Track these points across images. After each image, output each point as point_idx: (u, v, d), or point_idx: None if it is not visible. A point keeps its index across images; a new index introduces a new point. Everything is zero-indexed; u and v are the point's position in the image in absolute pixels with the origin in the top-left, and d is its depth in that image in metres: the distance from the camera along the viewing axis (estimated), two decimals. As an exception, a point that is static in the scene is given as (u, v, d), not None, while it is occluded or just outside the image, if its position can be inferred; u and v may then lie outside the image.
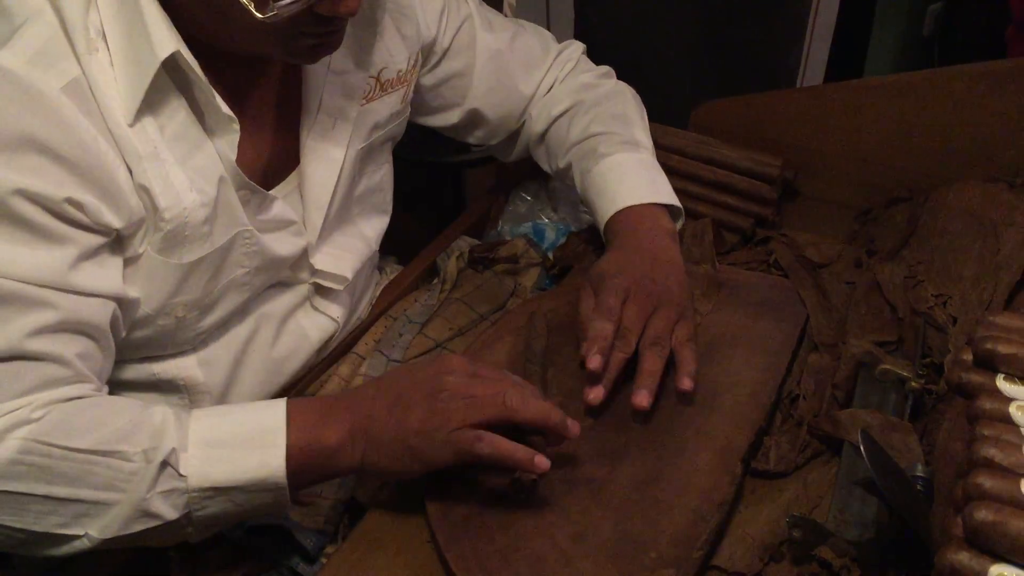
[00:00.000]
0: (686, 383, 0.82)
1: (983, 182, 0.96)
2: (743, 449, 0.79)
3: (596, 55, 1.13)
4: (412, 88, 0.98)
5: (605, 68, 1.11)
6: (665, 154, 1.08)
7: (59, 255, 0.69)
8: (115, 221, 0.72)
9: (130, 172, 0.72)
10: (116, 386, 0.83)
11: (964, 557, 0.44)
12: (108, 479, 0.68)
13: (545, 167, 1.10)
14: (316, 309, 0.94)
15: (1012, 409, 0.51)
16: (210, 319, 0.83)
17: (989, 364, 0.53)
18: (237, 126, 0.77)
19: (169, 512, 0.69)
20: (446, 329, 1.00)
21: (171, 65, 0.72)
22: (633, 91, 1.10)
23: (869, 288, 0.93)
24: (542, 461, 0.72)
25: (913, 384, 0.81)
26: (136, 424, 0.70)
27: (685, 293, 0.88)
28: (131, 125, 0.71)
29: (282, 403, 0.74)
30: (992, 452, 0.47)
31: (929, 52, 2.40)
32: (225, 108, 0.76)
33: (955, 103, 0.99)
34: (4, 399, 0.67)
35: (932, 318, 0.87)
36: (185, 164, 0.75)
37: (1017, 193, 0.93)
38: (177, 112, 0.75)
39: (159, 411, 0.71)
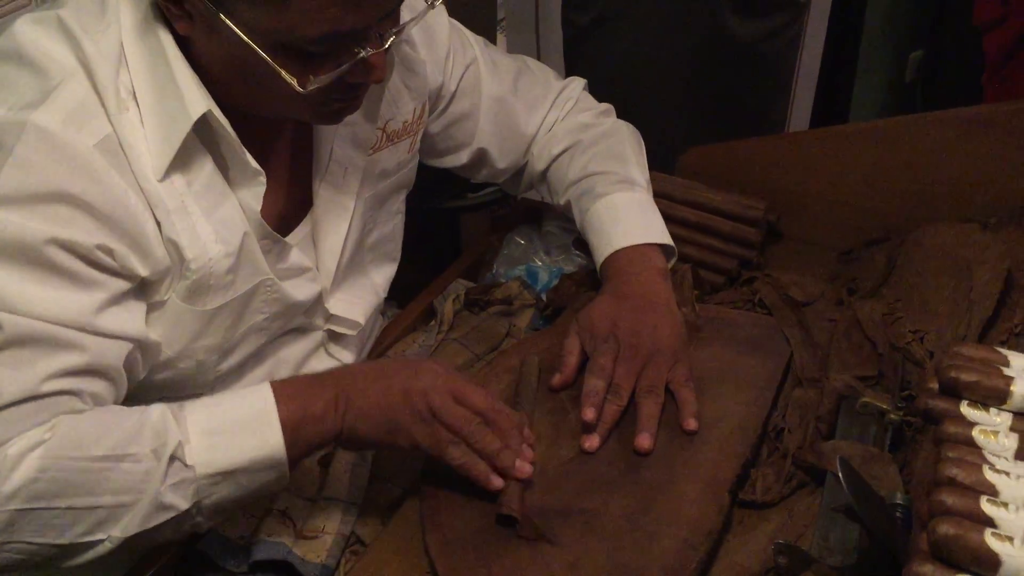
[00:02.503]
0: (691, 424, 0.86)
1: (957, 223, 1.00)
2: (730, 480, 0.82)
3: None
4: (419, 137, 1.02)
5: (605, 106, 1.15)
6: (654, 199, 1.13)
7: (87, 299, 0.73)
8: (142, 270, 0.76)
9: (158, 224, 0.76)
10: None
11: (929, 569, 0.48)
12: (124, 482, 0.71)
13: (549, 201, 1.15)
14: (330, 355, 0.98)
15: (975, 432, 0.54)
16: (229, 363, 0.87)
17: (953, 391, 0.57)
18: (263, 179, 0.81)
19: (181, 502, 0.73)
20: (444, 369, 1.03)
21: (201, 123, 0.77)
22: (631, 127, 1.14)
23: (850, 325, 0.97)
24: (495, 481, 0.79)
25: (892, 416, 0.84)
26: (139, 424, 0.73)
27: (677, 337, 0.92)
28: (160, 180, 0.76)
29: (267, 385, 0.78)
30: (955, 472, 0.50)
31: (912, 97, 2.47)
32: (253, 163, 0.80)
33: (930, 148, 1.04)
34: (22, 431, 0.70)
35: (910, 353, 0.91)
36: (211, 216, 0.79)
37: (989, 233, 0.97)
38: (204, 166, 0.79)
39: (155, 409, 0.75)
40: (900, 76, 2.49)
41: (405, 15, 0.81)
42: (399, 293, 1.21)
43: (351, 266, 0.98)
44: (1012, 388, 0.56)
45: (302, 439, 0.77)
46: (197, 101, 0.76)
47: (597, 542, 0.77)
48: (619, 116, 1.17)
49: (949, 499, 0.48)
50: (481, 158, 1.10)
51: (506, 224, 1.24)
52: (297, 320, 0.94)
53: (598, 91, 1.21)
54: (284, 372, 0.94)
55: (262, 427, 0.75)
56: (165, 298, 0.79)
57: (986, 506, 0.48)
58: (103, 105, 0.74)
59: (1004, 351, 0.60)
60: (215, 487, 0.74)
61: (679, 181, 1.15)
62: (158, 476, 0.72)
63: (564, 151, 1.09)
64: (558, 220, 1.19)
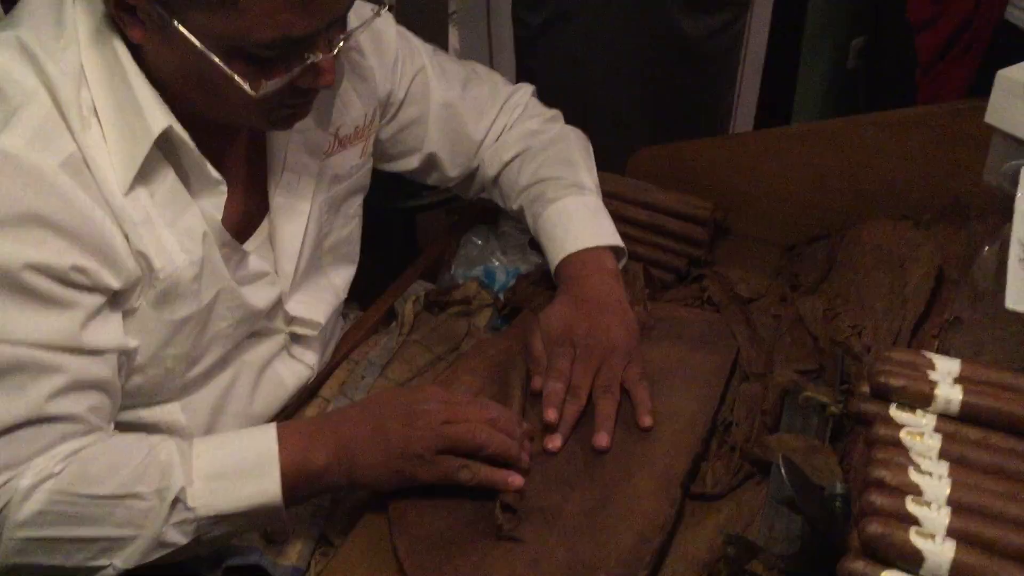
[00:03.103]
0: (646, 420, 0.90)
1: (892, 220, 1.06)
2: (682, 475, 0.86)
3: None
4: (371, 142, 1.04)
5: (553, 112, 1.18)
6: (605, 199, 1.16)
7: (68, 319, 0.75)
8: (114, 283, 0.78)
9: (126, 237, 0.78)
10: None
11: (859, 565, 0.52)
12: (127, 518, 0.75)
13: (501, 205, 1.18)
14: (292, 357, 1.00)
15: (902, 434, 0.59)
16: (196, 370, 0.89)
17: (883, 395, 0.61)
18: (224, 188, 0.84)
19: (181, 539, 0.78)
20: (406, 370, 1.06)
21: (162, 137, 0.78)
22: (579, 132, 1.17)
23: (793, 321, 1.02)
24: (516, 479, 0.83)
25: (833, 410, 0.89)
26: (147, 465, 0.77)
27: (631, 336, 0.96)
28: (125, 194, 0.77)
29: (273, 431, 0.82)
30: (883, 473, 0.55)
31: (854, 84, 2.53)
32: (214, 173, 0.83)
33: (865, 148, 1.09)
34: (27, 458, 0.74)
35: (849, 347, 0.96)
36: (174, 226, 0.81)
37: (922, 231, 1.03)
38: (166, 177, 0.81)
39: (164, 449, 0.79)
40: (842, 63, 2.55)
41: (353, 22, 0.83)
42: (359, 294, 1.23)
43: (309, 268, 1.00)
44: (936, 392, 0.60)
45: (301, 489, 0.82)
46: (158, 118, 0.77)
47: (557, 538, 0.81)
48: (573, 114, 1.20)
49: (877, 499, 0.53)
50: (431, 163, 1.13)
51: (463, 225, 1.27)
52: (259, 324, 0.96)
53: (552, 89, 1.24)
54: (248, 375, 0.96)
55: (263, 477, 0.79)
56: (136, 306, 0.81)
57: (911, 506, 0.52)
58: (67, 123, 0.75)
59: (930, 355, 0.65)
60: (215, 526, 0.79)
61: (630, 181, 1.19)
62: (161, 516, 0.76)
63: (514, 157, 1.12)
64: (513, 221, 1.22)
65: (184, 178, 0.82)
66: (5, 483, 0.73)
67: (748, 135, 1.30)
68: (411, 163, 1.12)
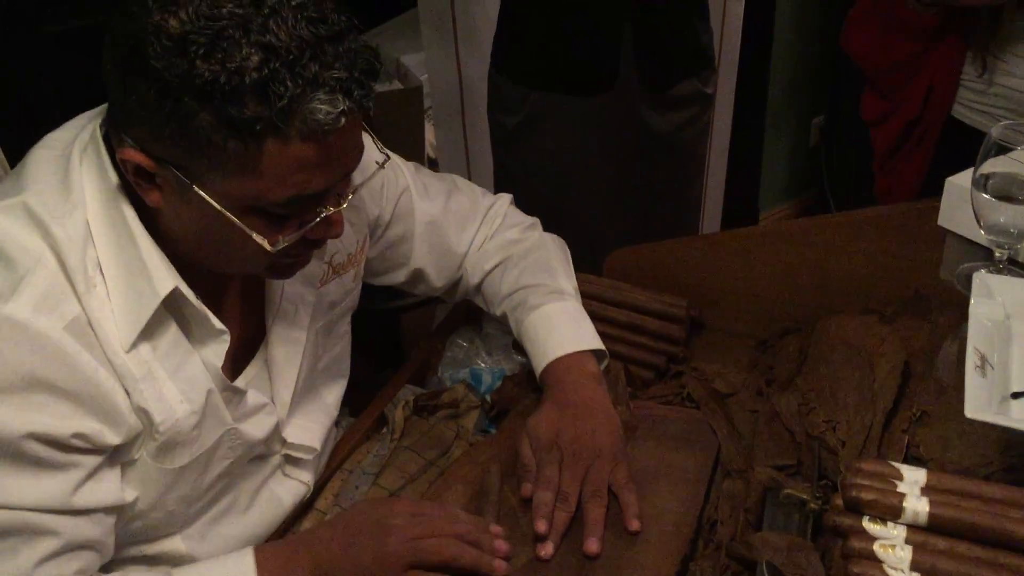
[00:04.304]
0: (635, 524, 0.93)
1: (858, 314, 1.11)
2: (671, 577, 0.89)
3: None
4: (362, 265, 1.09)
5: (532, 220, 1.23)
6: (584, 300, 1.21)
7: (64, 482, 0.77)
8: (115, 440, 0.81)
9: (128, 393, 0.81)
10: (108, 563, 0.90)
11: None
12: None
13: (486, 311, 1.22)
14: (287, 476, 1.03)
15: (876, 547, 0.63)
16: (197, 507, 0.92)
17: (855, 508, 0.65)
18: (227, 337, 0.86)
19: None
20: (398, 478, 1.08)
21: (168, 296, 0.81)
22: (557, 238, 1.22)
23: (770, 416, 1.06)
24: None
25: (812, 505, 0.93)
26: None
27: (616, 439, 1.00)
28: (128, 351, 0.80)
29: (251, 556, 0.84)
30: (859, 590, 0.59)
31: (816, 160, 2.63)
32: (218, 324, 0.85)
33: (829, 246, 1.15)
34: None
35: (824, 442, 1.00)
36: (175, 376, 0.84)
37: (886, 325, 1.08)
38: (168, 330, 0.84)
39: None
40: (804, 141, 2.65)
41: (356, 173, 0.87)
42: (349, 399, 1.27)
43: (304, 392, 1.03)
44: (904, 504, 0.64)
45: None
46: (164, 279, 0.80)
47: (554, 647, 0.84)
48: (549, 211, 1.25)
49: (855, 617, 0.57)
50: (417, 276, 1.18)
51: (448, 327, 1.31)
52: (256, 450, 0.98)
53: (527, 188, 1.30)
54: (245, 498, 0.99)
55: None
56: (136, 457, 0.84)
57: (885, 622, 0.56)
58: (72, 286, 0.78)
59: (897, 465, 0.69)
60: None
61: (606, 282, 1.24)
62: None
63: (495, 266, 1.17)
64: (497, 322, 1.26)
65: (185, 328, 0.85)
66: None
67: (719, 235, 1.35)
68: (398, 277, 1.17)
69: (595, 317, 1.20)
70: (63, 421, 0.76)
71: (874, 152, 1.63)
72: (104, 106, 0.83)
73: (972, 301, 0.86)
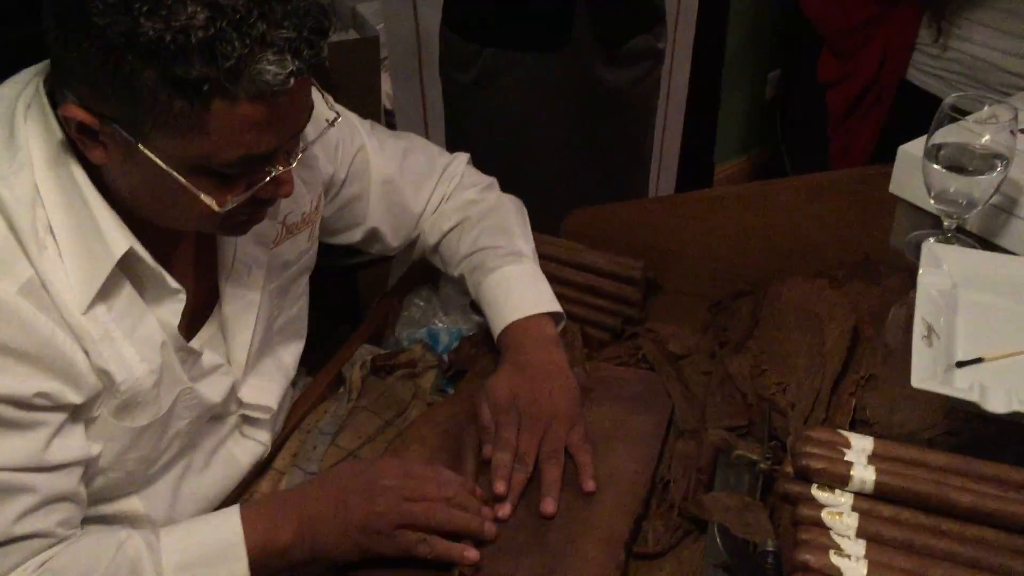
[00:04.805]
0: (590, 485, 0.95)
1: (810, 278, 1.13)
2: (625, 537, 0.91)
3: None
4: (318, 225, 1.08)
5: (489, 180, 1.22)
6: (541, 261, 1.21)
7: (32, 441, 0.77)
8: (76, 399, 0.80)
9: (87, 354, 0.80)
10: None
11: (788, 647, 0.58)
12: None
13: (443, 271, 1.22)
14: (245, 436, 1.03)
15: (824, 514, 0.65)
16: (155, 468, 0.92)
17: (805, 476, 0.68)
18: (183, 296, 0.86)
19: None
20: (356, 438, 1.09)
21: (122, 256, 0.80)
22: (515, 200, 1.22)
23: (723, 378, 1.08)
24: (471, 553, 0.88)
25: (762, 466, 0.95)
26: (117, 565, 0.79)
27: (573, 402, 1.01)
28: (84, 313, 0.79)
29: (236, 516, 0.85)
30: (807, 557, 0.61)
31: (772, 114, 2.65)
32: (174, 283, 0.85)
33: (782, 210, 1.16)
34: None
35: (775, 403, 1.02)
36: (132, 336, 0.83)
37: (837, 289, 1.10)
38: (123, 290, 0.83)
39: (132, 545, 0.81)
40: (760, 94, 2.66)
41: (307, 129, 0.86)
42: (305, 357, 1.26)
43: (261, 353, 1.03)
44: (852, 472, 0.67)
45: (267, 565, 0.85)
46: (118, 240, 0.79)
47: (511, 607, 0.86)
48: (504, 169, 1.25)
49: (803, 585, 0.59)
50: (373, 236, 1.17)
51: (405, 287, 1.31)
52: (213, 411, 0.98)
53: (482, 147, 1.29)
54: (202, 458, 0.99)
55: (230, 561, 0.82)
56: (96, 414, 0.83)
57: (832, 589, 0.59)
58: (23, 248, 0.76)
59: (846, 433, 0.71)
60: None
61: (564, 243, 1.24)
62: None
63: (453, 228, 1.17)
64: (454, 282, 1.27)
65: (140, 288, 0.84)
66: None
67: (675, 197, 1.37)
68: (353, 236, 1.17)
69: (552, 278, 1.21)
70: (24, 382, 0.76)
71: (829, 113, 1.65)
72: (47, 62, 0.81)
73: (920, 271, 0.88)
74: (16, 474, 0.76)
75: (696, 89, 2.23)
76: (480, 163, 1.25)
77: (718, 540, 0.79)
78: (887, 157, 1.19)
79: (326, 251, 1.26)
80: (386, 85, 2.07)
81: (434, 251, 1.20)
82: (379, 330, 1.27)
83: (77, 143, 0.78)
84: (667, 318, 1.21)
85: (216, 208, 0.78)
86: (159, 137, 0.74)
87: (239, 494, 1.03)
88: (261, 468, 1.06)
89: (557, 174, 1.62)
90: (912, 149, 1.01)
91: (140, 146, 0.75)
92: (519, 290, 1.10)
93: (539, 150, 1.59)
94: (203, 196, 0.78)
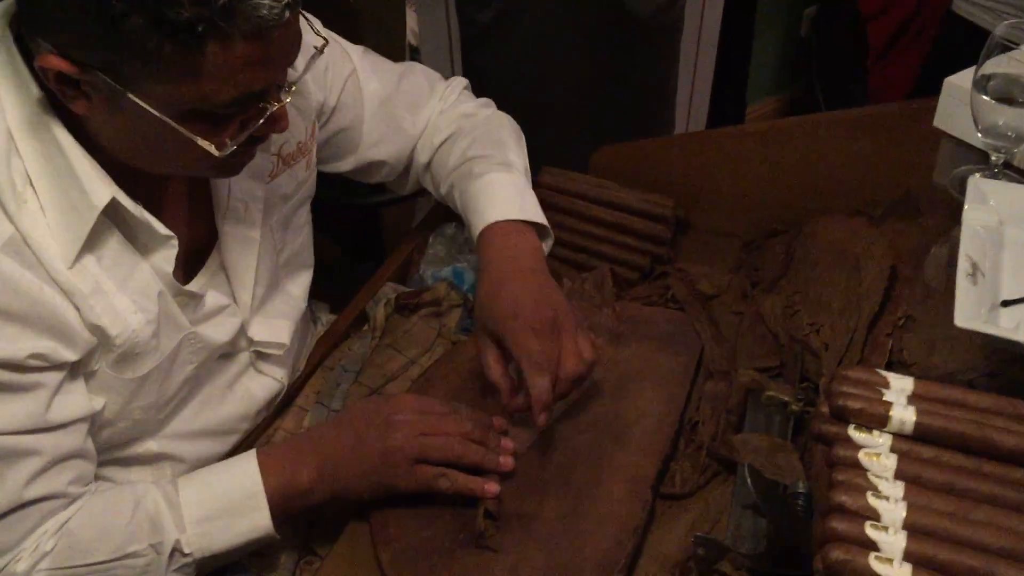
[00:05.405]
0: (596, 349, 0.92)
1: (846, 216, 1.09)
2: (652, 477, 0.90)
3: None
4: (314, 153, 1.03)
5: (485, 100, 1.17)
6: (567, 198, 1.19)
7: (32, 402, 0.75)
8: (71, 356, 0.78)
9: (77, 309, 0.77)
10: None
11: (823, 589, 0.56)
12: (129, 575, 0.78)
13: (433, 193, 1.16)
14: (260, 372, 1.01)
15: (860, 455, 0.63)
16: (164, 413, 0.90)
17: (841, 416, 0.65)
18: (175, 242, 0.82)
19: None
20: (379, 376, 1.08)
21: (106, 206, 0.77)
22: (510, 119, 1.15)
23: (754, 318, 1.05)
24: (492, 486, 0.86)
25: (793, 407, 0.93)
26: (136, 522, 0.79)
27: (566, 303, 0.94)
28: (71, 268, 0.76)
29: (254, 462, 0.84)
30: (843, 498, 0.59)
31: (807, 51, 2.57)
32: (164, 229, 0.81)
33: (819, 146, 1.12)
34: (17, 541, 0.76)
35: (808, 344, 1.00)
36: (125, 287, 0.80)
37: (875, 227, 1.06)
38: (111, 239, 0.79)
39: (150, 500, 0.80)
40: (795, 31, 2.58)
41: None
42: (328, 294, 1.25)
43: (269, 289, 1.00)
44: (890, 413, 0.64)
45: (289, 511, 0.85)
46: (99, 190, 0.76)
47: (534, 545, 0.85)
48: (526, 109, 1.20)
49: (839, 526, 0.57)
50: (368, 163, 1.12)
51: (429, 224, 1.28)
52: (223, 350, 0.96)
53: (501, 87, 1.24)
54: (217, 395, 0.97)
55: (252, 511, 0.82)
56: (95, 368, 0.81)
57: (870, 531, 0.56)
58: (1, 204, 0.73)
59: (884, 373, 0.69)
60: (212, 561, 0.82)
61: (592, 180, 1.21)
62: (161, 568, 0.79)
63: (445, 140, 1.11)
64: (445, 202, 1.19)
65: (130, 236, 0.81)
66: (1, 570, 0.75)
67: (706, 133, 1.33)
68: (344, 166, 1.11)
69: (580, 216, 1.18)
70: (15, 344, 0.74)
71: (868, 47, 1.59)
72: (8, 1, 0.75)
73: (966, 206, 0.84)
74: (20, 437, 0.75)
75: (729, 26, 2.16)
76: (501, 104, 1.21)
77: (748, 481, 0.77)
78: (928, 92, 1.14)
79: (351, 188, 1.23)
80: (411, 21, 2.02)
81: (426, 169, 1.14)
82: (403, 268, 1.25)
83: (57, 94, 0.73)
84: (697, 258, 1.18)
85: (216, 152, 0.74)
86: (149, 83, 0.70)
87: (262, 431, 1.03)
88: (284, 405, 1.05)
89: (581, 113, 1.58)
90: (959, 81, 0.96)
91: (129, 95, 0.70)
92: (503, 195, 1.03)
93: (562, 88, 1.55)
94: (200, 141, 0.74)
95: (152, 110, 0.71)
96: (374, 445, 0.86)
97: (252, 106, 0.76)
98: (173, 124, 0.72)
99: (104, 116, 0.74)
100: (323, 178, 1.10)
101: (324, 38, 0.84)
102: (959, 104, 0.95)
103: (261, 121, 0.77)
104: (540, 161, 1.21)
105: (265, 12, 0.68)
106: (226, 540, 0.81)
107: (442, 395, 1.00)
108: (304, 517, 0.90)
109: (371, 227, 1.63)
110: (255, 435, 1.02)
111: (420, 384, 1.02)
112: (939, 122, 0.96)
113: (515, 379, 0.94)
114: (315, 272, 1.11)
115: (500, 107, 1.20)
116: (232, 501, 0.82)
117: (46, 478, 0.77)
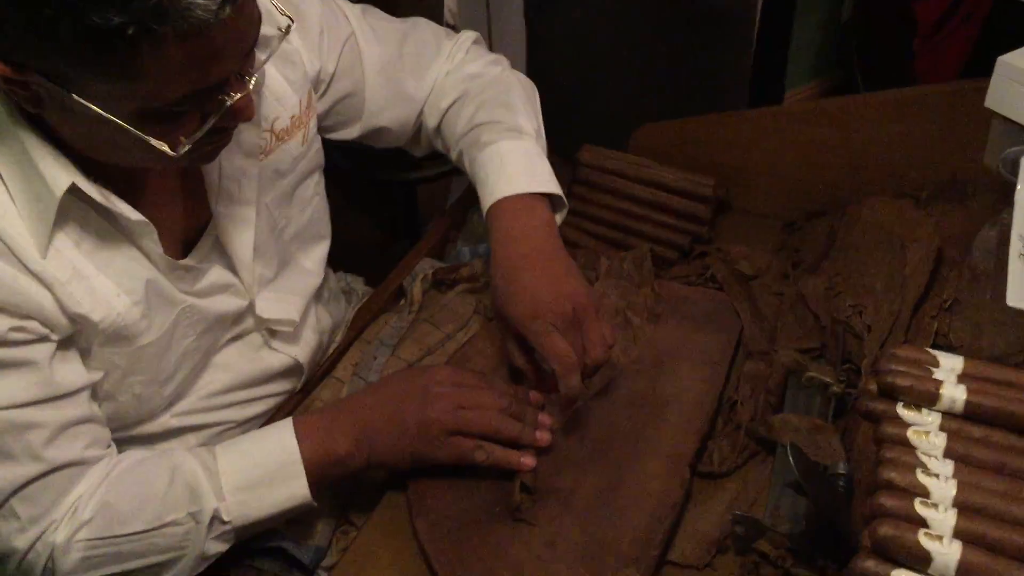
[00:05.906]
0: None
1: (892, 198, 1.08)
2: (690, 455, 0.89)
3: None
4: (312, 125, 0.98)
5: (495, 56, 1.11)
6: (607, 176, 1.18)
7: (27, 373, 0.75)
8: (55, 336, 0.77)
9: (56, 299, 0.75)
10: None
11: (871, 564, 0.55)
12: (169, 544, 0.79)
13: (448, 157, 1.11)
14: (274, 349, 0.99)
15: (909, 433, 0.62)
16: (170, 388, 0.89)
17: (890, 394, 0.64)
18: (152, 228, 0.79)
19: (223, 547, 0.83)
20: (417, 350, 1.08)
21: (73, 191, 0.74)
22: (523, 77, 1.10)
23: (795, 299, 1.04)
24: (528, 459, 0.86)
25: (835, 389, 0.92)
26: (174, 492, 0.79)
27: (586, 288, 0.93)
28: (44, 256, 0.74)
29: (291, 431, 0.84)
30: (892, 475, 0.58)
31: (848, 37, 2.53)
32: (135, 215, 0.78)
33: (864, 127, 1.10)
34: (46, 511, 0.77)
35: (850, 326, 0.98)
36: (108, 269, 0.79)
37: (921, 210, 1.05)
38: (88, 222, 0.77)
39: (188, 469, 0.81)
40: (836, 16, 2.54)
41: (262, 43, 0.75)
42: (360, 265, 1.25)
43: (279, 265, 0.97)
44: (941, 391, 0.63)
45: (327, 479, 0.85)
46: (58, 177, 0.73)
47: (571, 519, 0.85)
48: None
49: (888, 502, 0.56)
50: (374, 129, 1.07)
51: (466, 200, 1.28)
52: (230, 329, 0.94)
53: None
54: (229, 376, 0.95)
55: (290, 480, 0.82)
56: (85, 346, 0.80)
57: (919, 507, 0.56)
58: None
59: (934, 352, 0.68)
60: (251, 529, 0.83)
61: (632, 158, 1.20)
62: (201, 536, 0.79)
63: (452, 104, 1.06)
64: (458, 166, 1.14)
65: (110, 218, 0.79)
66: (37, 539, 0.76)
67: (749, 113, 1.30)
68: (351, 133, 1.06)
69: (619, 194, 1.18)
70: None
71: (916, 28, 1.56)
72: None
73: (1019, 186, 0.83)
74: (23, 410, 0.74)
75: (769, 10, 2.13)
76: (557, 75, 1.20)
77: (791, 459, 0.76)
78: (976, 75, 1.12)
79: (387, 164, 1.23)
80: (450, 1, 2.01)
81: (436, 134, 1.09)
82: (440, 244, 1.25)
83: (8, 94, 0.71)
84: (736, 238, 1.17)
85: (170, 153, 0.71)
86: (92, 85, 0.67)
87: (299, 402, 1.03)
88: (322, 376, 1.06)
89: (635, 90, 1.55)
90: (1013, 60, 0.94)
91: (74, 96, 0.67)
92: (512, 166, 0.98)
93: (621, 63, 1.52)
94: (152, 141, 0.70)
95: (99, 111, 0.68)
96: (412, 416, 0.86)
97: (209, 100, 0.71)
98: (123, 124, 0.69)
99: (58, 115, 0.71)
100: (361, 155, 1.09)
101: (289, 16, 0.79)
102: (1012, 83, 0.93)
103: (222, 114, 0.72)
104: (592, 136, 1.20)
105: (200, 12, 0.64)
106: (264, 508, 0.82)
107: (479, 369, 1.00)
108: (343, 486, 0.91)
109: (408, 204, 1.63)
110: (292, 404, 1.02)
111: (457, 358, 1.02)
112: (991, 102, 0.94)
113: (540, 365, 0.95)
114: (351, 248, 1.10)
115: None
116: (270, 469, 0.82)
117: (56, 446, 0.76)
